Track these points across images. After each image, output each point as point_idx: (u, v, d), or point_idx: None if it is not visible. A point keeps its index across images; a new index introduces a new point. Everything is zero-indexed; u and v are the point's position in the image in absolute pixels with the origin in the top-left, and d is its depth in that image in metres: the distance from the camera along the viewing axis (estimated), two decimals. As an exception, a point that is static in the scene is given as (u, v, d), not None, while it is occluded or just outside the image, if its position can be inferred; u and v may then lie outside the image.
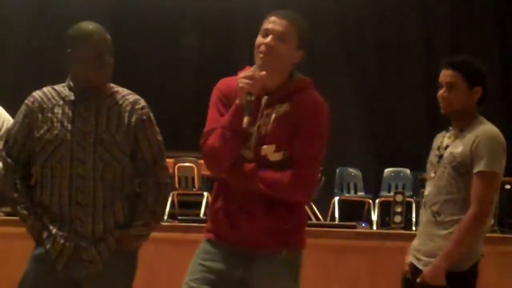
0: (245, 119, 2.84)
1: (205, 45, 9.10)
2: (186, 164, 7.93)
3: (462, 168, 3.11)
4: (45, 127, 3.05)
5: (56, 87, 3.13)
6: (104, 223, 3.03)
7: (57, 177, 3.02)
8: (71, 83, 3.10)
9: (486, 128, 3.19)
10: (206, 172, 7.27)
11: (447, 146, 3.21)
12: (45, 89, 3.13)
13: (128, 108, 3.11)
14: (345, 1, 9.07)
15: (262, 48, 2.90)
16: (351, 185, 8.20)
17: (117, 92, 3.14)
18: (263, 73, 2.86)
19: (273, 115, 2.94)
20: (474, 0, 9.07)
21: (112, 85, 3.16)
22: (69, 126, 3.04)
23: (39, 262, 3.04)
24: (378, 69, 8.90)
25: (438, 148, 3.22)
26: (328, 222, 7.54)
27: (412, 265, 3.24)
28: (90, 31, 3.08)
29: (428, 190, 3.18)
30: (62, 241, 3.00)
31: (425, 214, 3.17)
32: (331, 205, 8.00)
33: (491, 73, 8.79)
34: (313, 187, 3.02)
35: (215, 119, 2.95)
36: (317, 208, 8.15)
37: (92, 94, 3.09)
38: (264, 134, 2.92)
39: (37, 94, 3.12)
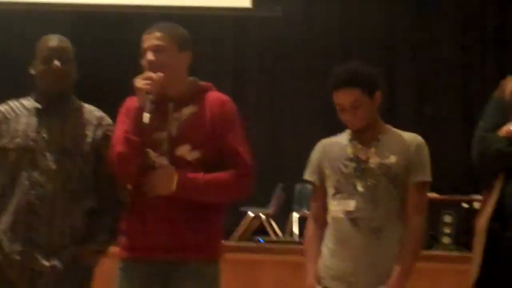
0: (145, 116, 2.85)
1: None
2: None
3: (398, 180, 3.07)
4: (9, 137, 3.04)
5: (22, 100, 3.16)
6: (61, 235, 3.00)
7: (18, 186, 2.99)
8: (38, 95, 3.13)
9: (410, 135, 3.16)
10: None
11: (368, 158, 3.15)
12: (10, 102, 3.15)
13: (95, 122, 3.13)
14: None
15: (146, 66, 2.97)
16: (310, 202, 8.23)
17: (84, 106, 3.17)
18: (161, 74, 2.91)
19: (182, 118, 2.99)
20: (434, 21, 9.15)
21: (80, 101, 3.20)
22: (34, 135, 3.03)
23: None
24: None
25: (351, 159, 3.15)
26: (286, 238, 7.54)
27: None
28: (49, 38, 3.14)
29: (353, 205, 3.09)
30: (18, 258, 2.97)
31: (358, 234, 3.07)
32: (290, 221, 8.01)
33: (453, 86, 8.79)
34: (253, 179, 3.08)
35: (121, 131, 2.97)
36: (276, 224, 8.15)
37: (59, 104, 3.11)
38: (175, 137, 2.96)
39: (2, 107, 3.14)
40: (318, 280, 3.18)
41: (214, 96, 3.09)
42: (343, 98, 3.11)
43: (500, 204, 2.92)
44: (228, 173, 2.99)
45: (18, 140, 3.05)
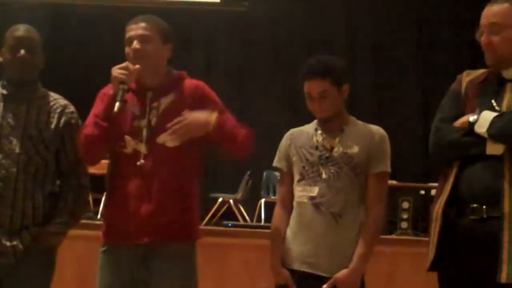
0: (116, 105, 2.84)
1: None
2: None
3: (358, 168, 3.09)
4: None
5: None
6: (22, 216, 2.99)
7: None
8: (4, 82, 3.10)
9: (374, 127, 3.19)
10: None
11: (332, 147, 3.17)
12: None
13: (59, 110, 3.12)
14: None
15: (131, 54, 2.96)
16: (277, 188, 8.26)
17: (49, 95, 3.15)
18: (137, 66, 2.90)
19: (161, 107, 2.98)
20: (395, 18, 9.21)
21: (46, 90, 3.19)
22: None
23: None
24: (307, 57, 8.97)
25: (316, 147, 3.17)
26: (254, 223, 7.57)
27: (299, 274, 3.13)
28: (16, 28, 3.12)
29: (316, 190, 3.11)
30: None
31: (320, 218, 3.09)
32: (258, 207, 8.04)
33: (411, 79, 8.82)
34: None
35: (92, 114, 2.98)
36: (244, 210, 8.18)
37: (25, 91, 3.09)
38: (155, 125, 2.96)
39: None
40: (283, 262, 3.21)
41: (190, 83, 3.11)
42: (313, 87, 3.12)
43: (454, 191, 2.96)
44: (242, 129, 3.01)
45: None
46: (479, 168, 2.87)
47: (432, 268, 2.99)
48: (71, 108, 3.19)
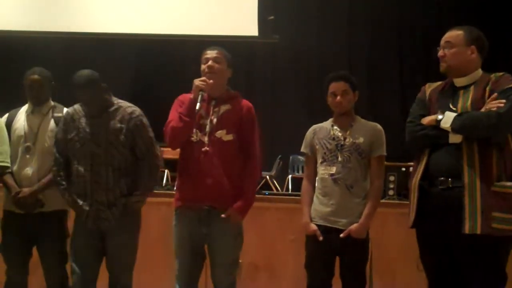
0: (197, 105, 2.87)
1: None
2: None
3: (363, 153, 3.10)
4: (74, 132, 3.08)
5: (82, 105, 3.20)
6: (113, 194, 3.05)
7: (82, 166, 3.05)
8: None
9: (373, 124, 3.18)
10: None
11: (345, 138, 3.16)
12: (75, 106, 3.18)
13: (127, 117, 3.14)
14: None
15: (206, 69, 2.98)
16: (300, 167, 8.25)
17: (120, 106, 3.16)
18: (211, 81, 2.93)
19: (221, 111, 3.00)
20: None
21: (117, 100, 3.18)
22: (89, 131, 3.08)
23: (78, 224, 3.14)
24: (320, 76, 8.86)
25: (333, 138, 3.17)
26: (284, 192, 7.57)
27: (323, 227, 3.12)
28: (79, 72, 3.12)
29: (334, 169, 3.10)
30: (87, 208, 3.06)
31: (337, 188, 3.09)
32: (286, 181, 8.04)
33: (395, 91, 8.63)
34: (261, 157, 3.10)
35: (175, 114, 2.97)
36: (277, 183, 8.18)
37: (103, 111, 3.13)
38: (215, 124, 2.97)
39: (69, 109, 3.19)
40: (310, 219, 3.21)
41: (244, 101, 3.13)
42: (338, 86, 3.14)
43: (426, 169, 2.94)
44: (250, 171, 3.03)
45: (80, 135, 3.11)
46: (444, 152, 2.86)
47: (413, 226, 2.98)
48: (137, 113, 3.20)
